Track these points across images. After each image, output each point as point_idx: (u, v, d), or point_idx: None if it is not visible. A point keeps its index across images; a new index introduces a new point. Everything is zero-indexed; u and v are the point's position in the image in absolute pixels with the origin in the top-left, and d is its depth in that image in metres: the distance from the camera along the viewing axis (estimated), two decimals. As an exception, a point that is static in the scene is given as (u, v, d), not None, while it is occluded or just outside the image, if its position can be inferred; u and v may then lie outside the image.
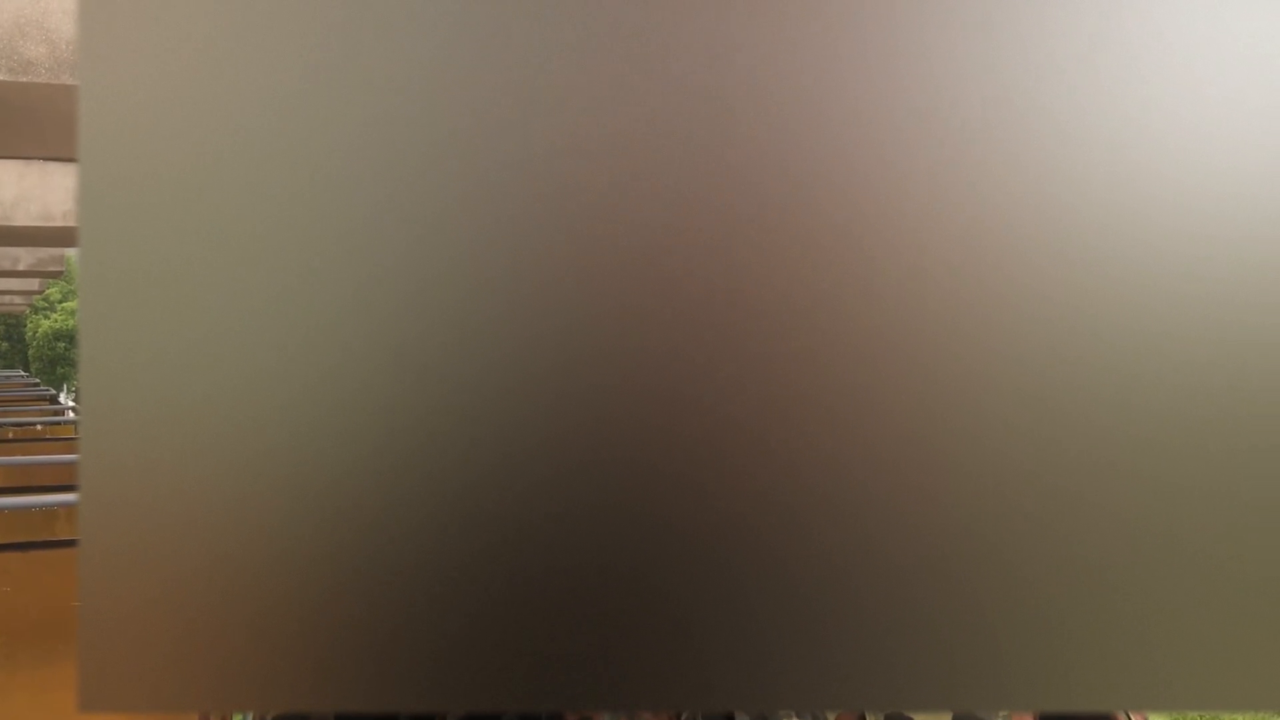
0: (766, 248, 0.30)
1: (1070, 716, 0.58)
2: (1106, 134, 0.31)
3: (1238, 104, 0.31)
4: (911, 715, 0.53)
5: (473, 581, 0.30)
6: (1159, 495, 0.31)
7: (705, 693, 0.30)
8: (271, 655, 0.30)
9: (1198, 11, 0.31)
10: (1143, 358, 0.31)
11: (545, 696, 0.30)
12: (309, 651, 0.30)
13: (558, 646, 0.30)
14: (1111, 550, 0.31)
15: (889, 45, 0.30)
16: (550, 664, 0.30)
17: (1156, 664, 0.31)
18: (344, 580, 0.30)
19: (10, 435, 5.71)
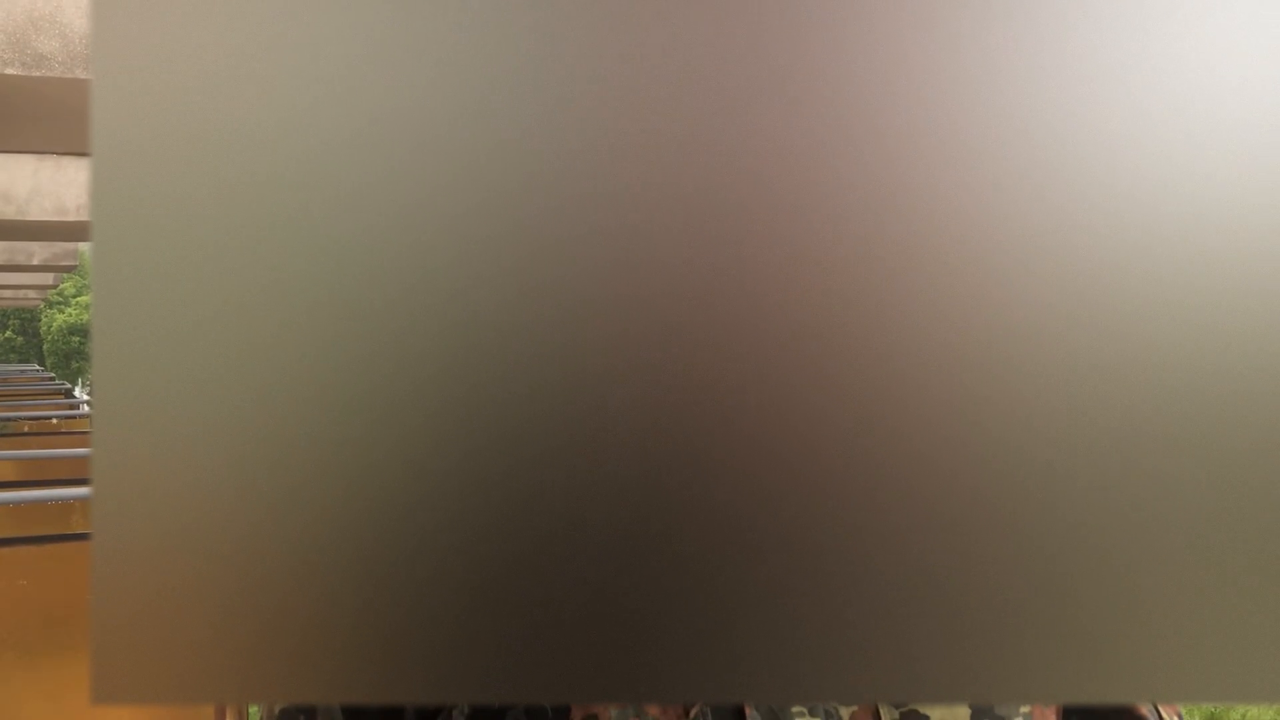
0: (775, 247, 0.30)
1: (1095, 711, 0.58)
2: (1112, 135, 0.30)
3: (1248, 108, 0.31)
4: (928, 712, 0.53)
5: (479, 575, 0.30)
6: (1182, 486, 0.30)
7: (714, 686, 0.30)
8: (282, 647, 0.30)
9: (1204, 12, 0.30)
10: (1157, 354, 0.30)
11: (552, 690, 0.30)
12: (319, 644, 0.30)
13: (565, 640, 0.30)
14: (1133, 540, 0.31)
15: (897, 46, 0.30)
16: (557, 657, 0.30)
17: (1181, 656, 0.31)
18: (352, 574, 0.30)
19: (26, 429, 5.73)
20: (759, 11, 0.30)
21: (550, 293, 0.30)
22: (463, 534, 0.30)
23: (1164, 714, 0.59)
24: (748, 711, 0.52)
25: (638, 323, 0.30)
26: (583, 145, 0.30)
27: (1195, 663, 0.31)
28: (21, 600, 2.30)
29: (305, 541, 0.30)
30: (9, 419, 5.84)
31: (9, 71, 3.64)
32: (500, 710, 0.54)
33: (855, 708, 0.53)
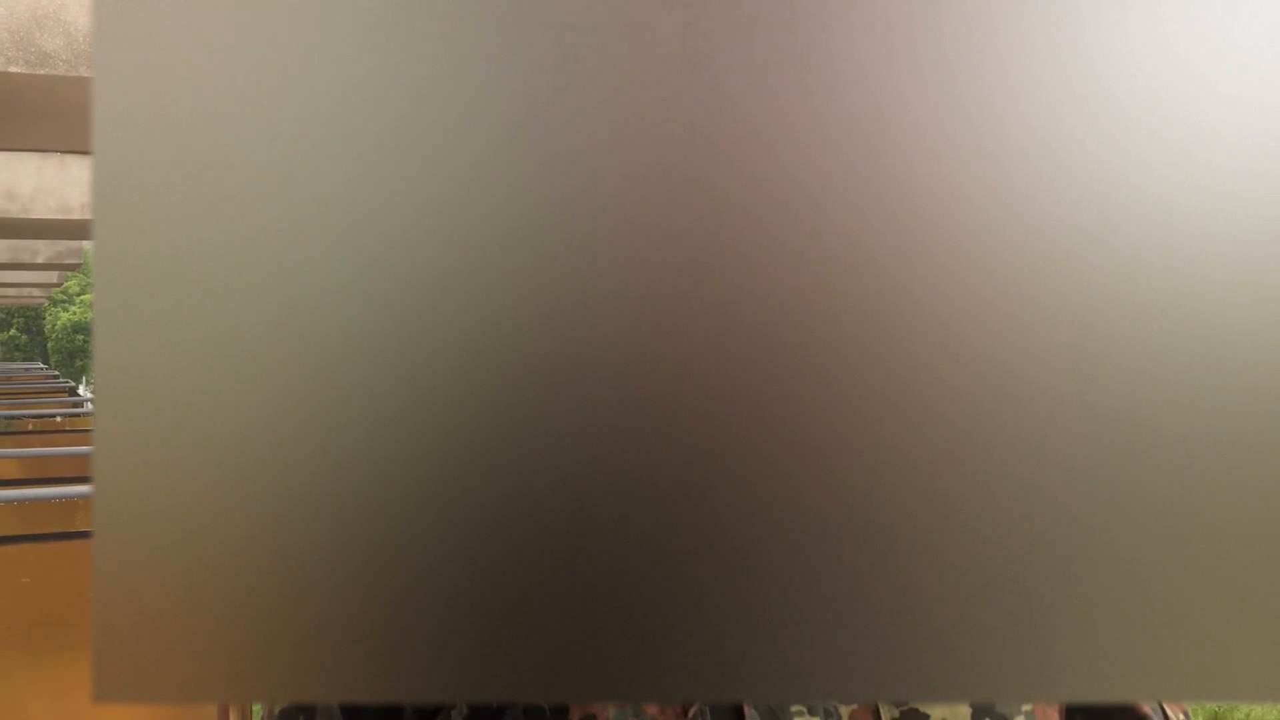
0: (774, 250, 0.30)
1: (1097, 710, 0.58)
2: (1111, 133, 0.30)
3: (1245, 105, 0.31)
4: (928, 710, 0.53)
5: (479, 575, 0.30)
6: (1185, 483, 0.30)
7: (713, 685, 0.30)
8: (283, 647, 0.30)
9: (1205, 11, 0.30)
10: (1159, 353, 0.30)
11: (550, 689, 0.30)
12: (319, 643, 0.30)
13: (563, 639, 0.30)
14: (1135, 538, 0.30)
15: (897, 46, 0.30)
16: (556, 657, 0.29)
17: (1184, 654, 0.31)
18: (353, 574, 0.30)
19: (30, 427, 5.73)
20: (761, 12, 0.30)
21: (551, 295, 0.30)
22: (462, 534, 0.30)
23: (1170, 713, 0.59)
24: (746, 711, 0.52)
25: (635, 325, 0.30)
26: (581, 149, 0.30)
27: (1198, 661, 0.30)
28: (24, 598, 2.30)
29: (306, 541, 0.30)
30: (13, 417, 5.84)
31: (13, 70, 3.64)
32: (499, 710, 0.54)
33: (855, 706, 0.52)
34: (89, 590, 0.30)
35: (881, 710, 0.52)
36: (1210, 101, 0.30)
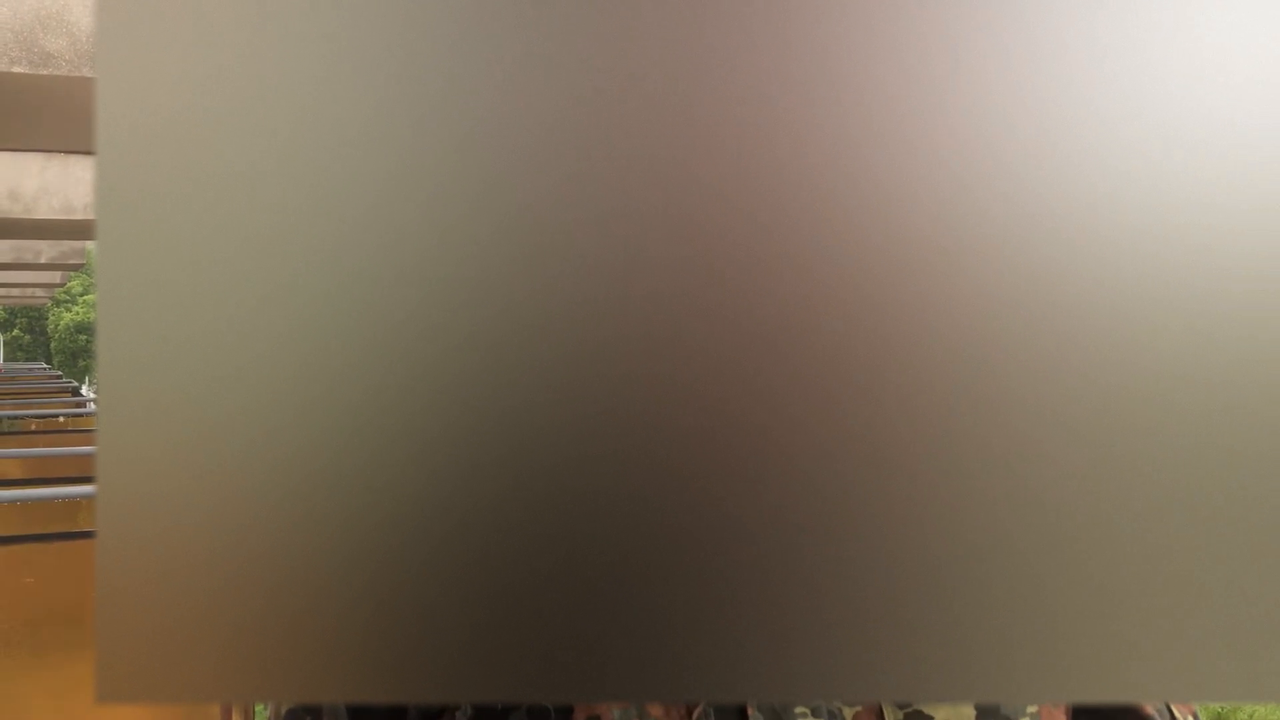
0: (770, 244, 0.30)
1: (1104, 710, 0.57)
2: (1110, 133, 0.30)
3: (1247, 107, 0.31)
4: (932, 712, 0.53)
5: (483, 575, 0.30)
6: (1190, 483, 0.30)
7: (717, 685, 0.30)
8: (287, 647, 0.30)
9: (1205, 12, 0.30)
10: (1160, 353, 0.30)
11: (555, 689, 0.30)
12: (324, 643, 0.30)
13: (568, 639, 0.30)
14: (1141, 538, 0.30)
15: (898, 47, 0.30)
16: (561, 657, 0.29)
17: (1188, 654, 0.31)
18: (358, 574, 0.30)
19: (33, 427, 5.74)
20: (758, 13, 0.30)
21: (556, 295, 0.30)
22: (468, 534, 0.30)
23: (1177, 713, 0.58)
24: (750, 711, 0.52)
25: (640, 324, 0.30)
26: (580, 155, 0.30)
27: (1203, 661, 0.30)
28: (27, 598, 2.31)
29: (311, 541, 0.30)
30: (16, 417, 5.86)
31: (16, 70, 3.65)
32: (503, 710, 0.54)
33: (859, 708, 0.52)
34: (92, 590, 0.30)
35: (886, 711, 0.52)
36: (1209, 100, 0.30)
